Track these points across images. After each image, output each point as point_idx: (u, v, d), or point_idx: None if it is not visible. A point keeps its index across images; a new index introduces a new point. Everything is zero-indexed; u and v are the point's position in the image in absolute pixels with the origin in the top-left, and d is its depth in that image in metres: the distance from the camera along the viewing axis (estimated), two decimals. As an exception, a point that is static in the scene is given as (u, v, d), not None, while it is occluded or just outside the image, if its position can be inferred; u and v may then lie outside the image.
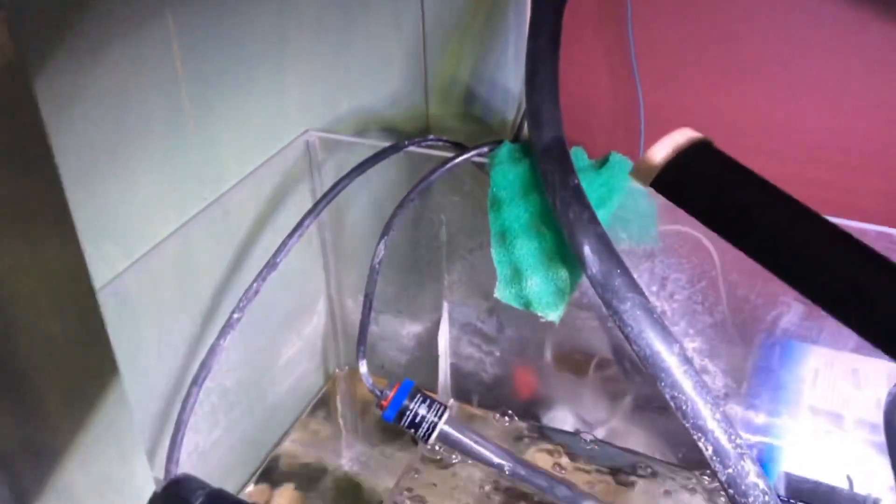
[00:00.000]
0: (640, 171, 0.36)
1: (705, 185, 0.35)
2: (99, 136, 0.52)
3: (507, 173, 0.65)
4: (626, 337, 0.57)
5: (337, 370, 0.88)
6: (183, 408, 0.61)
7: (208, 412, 0.68)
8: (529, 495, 0.76)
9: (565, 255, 0.64)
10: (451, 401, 0.85)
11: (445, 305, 0.78)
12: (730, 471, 0.53)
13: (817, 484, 0.71)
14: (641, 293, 0.57)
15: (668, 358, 0.55)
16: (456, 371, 0.83)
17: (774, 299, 0.64)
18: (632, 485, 0.77)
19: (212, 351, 0.62)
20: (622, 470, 0.79)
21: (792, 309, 0.64)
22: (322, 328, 0.83)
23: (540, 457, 0.81)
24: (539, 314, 0.65)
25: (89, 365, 0.36)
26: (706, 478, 0.76)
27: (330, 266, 0.81)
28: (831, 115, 1.01)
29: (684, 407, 0.54)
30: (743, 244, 0.33)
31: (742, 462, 0.54)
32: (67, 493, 0.36)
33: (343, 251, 0.80)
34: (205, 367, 0.62)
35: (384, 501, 0.77)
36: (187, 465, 0.67)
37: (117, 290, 0.56)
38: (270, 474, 0.80)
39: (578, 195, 0.60)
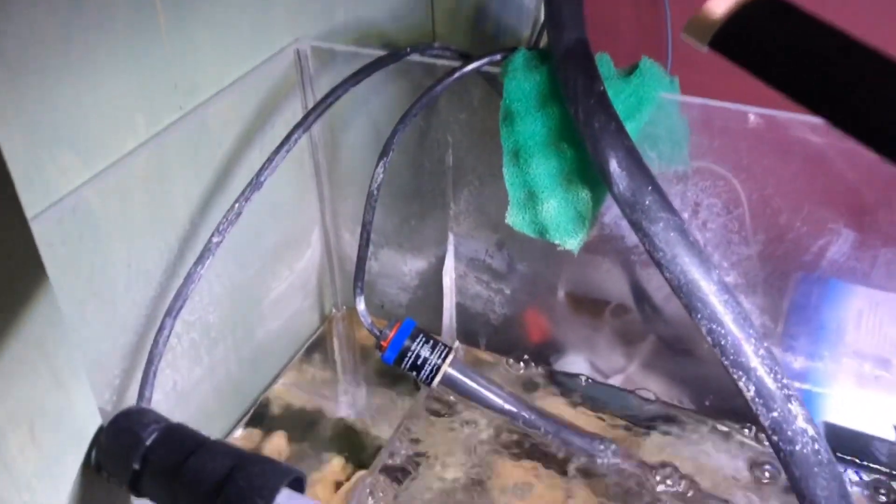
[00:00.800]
0: (695, 28, 0.29)
1: (776, 42, 0.27)
2: (49, 26, 0.45)
3: (523, 83, 0.58)
4: (658, 263, 0.50)
5: (334, 310, 0.81)
6: (155, 341, 0.54)
7: (188, 348, 0.62)
8: (539, 443, 0.70)
9: (587, 174, 0.56)
10: (457, 343, 0.78)
11: (451, 238, 0.71)
12: (774, 414, 0.47)
13: (860, 435, 0.65)
14: (675, 212, 0.50)
15: (706, 286, 0.48)
16: (462, 311, 0.76)
17: (822, 226, 0.57)
18: (647, 433, 0.71)
19: (188, 279, 0.55)
20: (638, 417, 0.72)
21: (842, 237, 0.57)
22: (317, 263, 0.76)
23: (551, 403, 0.74)
24: (556, 242, 0.58)
25: (6, 273, 0.30)
26: (729, 426, 0.69)
27: (324, 193, 0.73)
28: None
29: (723, 342, 0.48)
30: (825, 109, 0.26)
31: (789, 405, 0.47)
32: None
33: (339, 177, 0.73)
34: (180, 296, 0.55)
35: (383, 450, 0.71)
36: (164, 404, 0.61)
37: (76, 205, 0.49)
38: (261, 419, 0.74)
39: (604, 103, 0.53)
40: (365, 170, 0.64)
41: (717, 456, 0.68)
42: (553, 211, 0.57)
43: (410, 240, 0.74)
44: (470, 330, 0.77)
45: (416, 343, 0.70)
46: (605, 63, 0.58)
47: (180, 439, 0.34)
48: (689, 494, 0.66)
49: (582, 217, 0.57)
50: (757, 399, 0.47)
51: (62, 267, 0.49)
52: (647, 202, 0.49)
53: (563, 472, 0.68)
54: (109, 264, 0.53)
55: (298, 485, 0.33)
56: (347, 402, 0.78)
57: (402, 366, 0.70)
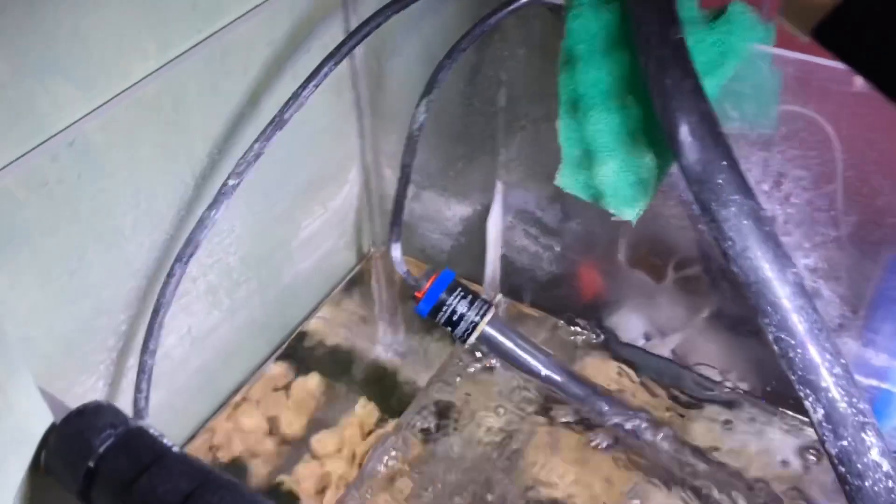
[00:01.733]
0: (795, 12, 0.22)
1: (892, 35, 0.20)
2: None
3: (589, 22, 0.49)
4: (725, 253, 0.42)
5: (372, 249, 0.76)
6: (162, 289, 0.50)
7: (204, 292, 0.58)
8: (576, 412, 0.65)
9: (654, 135, 0.49)
10: (499, 297, 0.73)
11: (499, 186, 0.65)
12: (844, 443, 0.40)
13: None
14: (752, 196, 0.42)
15: (780, 288, 0.41)
16: (507, 264, 0.70)
17: (929, 214, 0.49)
18: (697, 411, 0.65)
19: (201, 224, 0.50)
20: (690, 393, 0.66)
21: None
22: (355, 200, 0.71)
23: (596, 368, 0.69)
24: (611, 210, 0.51)
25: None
26: (790, 417, 0.63)
27: (365, 128, 0.67)
28: None
29: (792, 354, 0.40)
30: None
31: (863, 434, 0.40)
32: None
33: (382, 110, 0.66)
34: (191, 242, 0.50)
35: (414, 401, 0.67)
36: (178, 349, 0.58)
37: (74, 140, 0.44)
38: (294, 353, 0.70)
39: (680, 55, 0.44)
40: (411, 103, 0.57)
41: (769, 445, 0.62)
42: (611, 174, 0.50)
43: (455, 184, 0.67)
44: (514, 284, 0.71)
45: (453, 297, 0.65)
46: (687, 4, 0.49)
47: (136, 450, 0.30)
48: (733, 482, 0.60)
49: (643, 184, 0.50)
50: (825, 423, 0.40)
51: (58, 208, 0.45)
52: (719, 180, 0.42)
53: (600, 445, 0.63)
54: (114, 204, 0.48)
55: (266, 517, 0.29)
56: (383, 343, 0.74)
57: (437, 320, 0.65)
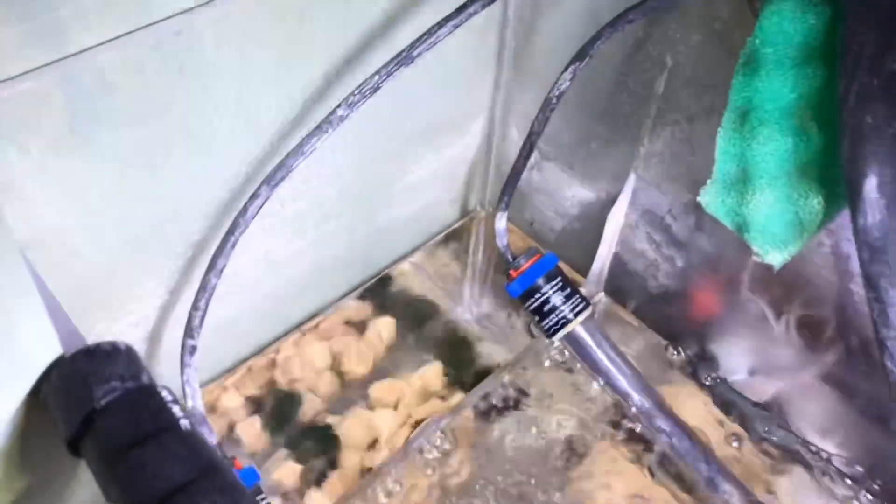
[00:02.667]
0: None
1: None
2: None
3: (787, 23, 0.41)
4: (881, 343, 0.35)
5: (478, 208, 0.70)
6: (245, 208, 0.46)
7: (291, 217, 0.54)
8: (649, 439, 0.59)
9: (830, 174, 0.41)
10: (601, 294, 0.66)
11: (632, 179, 0.58)
12: None
13: None
14: (936, 285, 0.35)
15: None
16: (617, 264, 0.63)
17: None
18: (784, 474, 0.58)
19: (298, 149, 0.46)
20: (782, 450, 0.59)
21: None
22: (472, 154, 0.65)
23: (684, 397, 0.62)
24: (754, 248, 0.44)
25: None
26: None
27: (502, 79, 0.61)
28: None
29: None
30: None
31: None
32: None
33: (525, 66, 0.60)
34: (283, 166, 0.46)
35: (488, 381, 0.62)
36: (250, 270, 0.54)
37: (181, 30, 0.40)
38: (375, 294, 0.67)
39: (892, 88, 0.36)
40: (559, 66, 0.50)
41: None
42: (765, 207, 0.42)
43: (584, 164, 0.61)
44: (620, 287, 0.64)
45: (550, 285, 0.59)
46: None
47: (140, 414, 0.26)
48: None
49: (800, 227, 0.42)
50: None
51: (151, 99, 0.41)
52: (899, 255, 0.34)
53: (670, 488, 0.57)
54: (212, 108, 0.44)
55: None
56: (467, 308, 0.69)
57: (526, 305, 0.60)
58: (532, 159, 0.57)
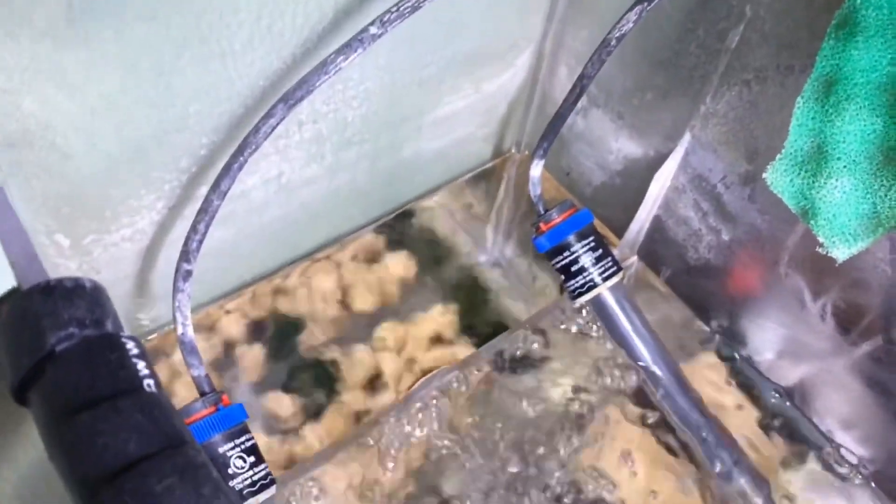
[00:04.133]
0: None
1: None
2: None
3: (899, -18, 0.36)
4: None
5: (514, 150, 0.65)
6: (257, 127, 0.42)
7: (309, 140, 0.49)
8: (666, 418, 0.55)
9: (922, 166, 0.36)
10: (634, 259, 0.61)
11: (687, 138, 0.52)
12: None
13: None
14: None
15: None
16: (657, 228, 0.58)
17: None
18: (800, 465, 0.55)
19: (322, 66, 0.41)
20: (800, 441, 0.55)
21: None
22: (513, 91, 0.60)
23: (708, 374, 0.58)
24: (819, 237, 0.39)
25: None
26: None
27: (557, 11, 0.55)
28: None
29: None
30: None
31: None
32: None
33: (584, -1, 0.54)
34: (304, 84, 0.41)
35: (501, 337, 0.58)
36: (260, 191, 0.50)
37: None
38: (390, 232, 0.63)
39: None
40: (623, 3, 0.45)
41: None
42: (839, 193, 0.37)
43: (636, 115, 0.55)
44: (656, 253, 0.60)
45: (581, 244, 0.54)
46: None
47: (98, 369, 0.22)
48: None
49: (876, 220, 0.37)
50: None
51: (161, -4, 0.36)
52: None
53: (681, 467, 0.54)
54: (231, 9, 0.39)
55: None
56: (489, 254, 0.65)
57: (554, 262, 0.55)
58: (578, 105, 0.52)
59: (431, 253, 0.64)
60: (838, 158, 0.37)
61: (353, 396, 0.56)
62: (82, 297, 0.23)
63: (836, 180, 0.37)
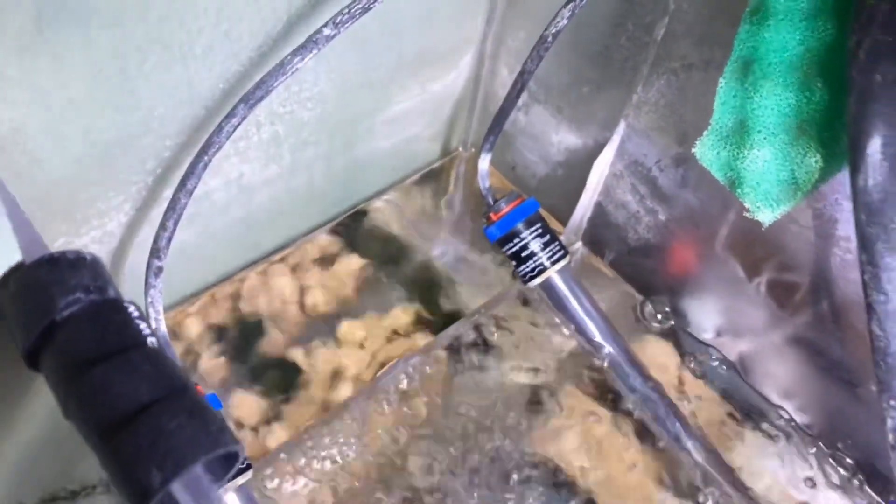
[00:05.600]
0: None
1: None
2: None
3: (801, -28, 0.40)
4: (870, 307, 0.34)
5: (460, 149, 0.69)
6: (220, 126, 0.44)
7: (267, 141, 0.51)
8: (617, 390, 0.58)
9: (831, 133, 0.40)
10: (579, 244, 0.65)
11: (622, 127, 0.56)
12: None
13: None
14: (931, 251, 0.34)
15: (925, 371, 0.33)
16: (598, 214, 0.62)
17: None
18: (746, 432, 0.58)
19: (280, 68, 0.44)
20: (746, 410, 0.59)
21: None
22: (458, 91, 0.63)
23: (656, 353, 0.62)
24: (745, 203, 0.43)
25: None
26: (850, 481, 0.55)
27: (496, 14, 0.58)
28: None
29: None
30: None
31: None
32: None
33: (520, 0, 0.57)
34: (263, 85, 0.44)
35: (459, 323, 0.61)
36: (223, 192, 0.52)
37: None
38: (348, 230, 0.65)
39: (905, 50, 0.35)
40: (556, 3, 0.48)
41: (811, 497, 0.55)
42: (761, 162, 0.41)
43: (574, 108, 0.59)
44: (599, 237, 0.63)
45: (529, 231, 0.57)
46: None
47: (105, 329, 0.24)
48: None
49: (795, 186, 0.41)
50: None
51: (123, 4, 0.38)
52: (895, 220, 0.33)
53: (633, 436, 0.57)
54: (191, 16, 0.41)
55: (228, 462, 0.23)
56: (442, 249, 0.67)
57: (505, 250, 0.59)
58: (520, 101, 0.55)
59: (385, 251, 0.66)
60: (758, 131, 0.41)
61: (317, 392, 0.58)
62: (84, 267, 0.25)
63: (758, 151, 0.41)
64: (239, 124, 0.45)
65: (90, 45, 0.38)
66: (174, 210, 0.45)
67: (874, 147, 0.34)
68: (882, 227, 0.33)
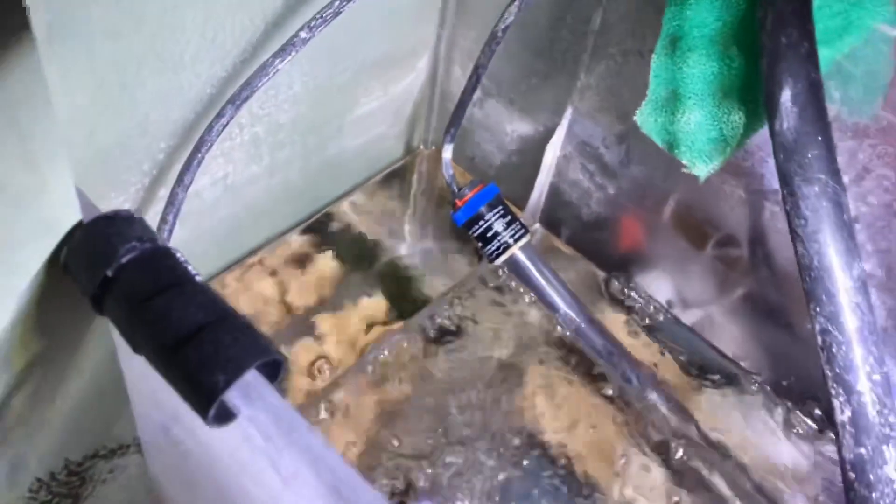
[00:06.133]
0: None
1: None
2: None
3: (713, -42, 0.46)
4: (794, 232, 0.40)
5: (422, 147, 0.74)
6: (210, 126, 0.49)
7: (248, 142, 0.56)
8: (585, 357, 0.64)
9: (749, 93, 0.46)
10: (537, 225, 0.71)
11: (569, 112, 0.62)
12: (862, 451, 0.39)
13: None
14: (839, 180, 0.40)
15: (842, 280, 0.39)
16: (554, 194, 0.68)
17: None
18: (705, 388, 0.64)
19: (262, 69, 0.49)
20: (704, 369, 0.65)
21: None
22: (417, 92, 0.68)
23: (614, 318, 0.67)
24: (683, 161, 0.49)
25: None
26: (799, 417, 0.61)
27: (447, 18, 0.64)
28: None
29: (835, 350, 0.39)
30: None
31: (884, 447, 0.39)
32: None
33: (469, 4, 0.63)
34: (248, 85, 0.49)
35: (430, 306, 0.66)
36: (209, 192, 0.57)
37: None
38: (319, 230, 0.69)
39: (802, 14, 0.42)
40: (502, 3, 0.54)
41: (771, 441, 0.61)
42: (693, 124, 0.47)
43: (525, 99, 0.65)
44: (555, 217, 0.69)
45: (492, 213, 0.63)
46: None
47: (159, 269, 0.28)
48: (722, 465, 0.60)
49: (724, 142, 0.47)
50: (848, 426, 0.39)
51: (123, 14, 0.43)
52: (809, 155, 0.40)
53: (601, 397, 0.62)
54: (180, 27, 0.46)
55: (275, 369, 0.28)
56: (409, 244, 0.72)
57: (471, 232, 0.64)
58: (475, 96, 0.61)
59: (357, 250, 0.70)
60: (688, 98, 0.47)
61: (300, 383, 0.62)
62: (136, 222, 0.30)
63: (689, 115, 0.47)
64: (227, 123, 0.49)
65: (93, 56, 0.43)
66: (173, 205, 0.50)
67: (786, 97, 0.40)
68: (797, 163, 0.39)
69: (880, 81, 0.47)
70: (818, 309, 0.39)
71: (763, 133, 0.48)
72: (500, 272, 0.67)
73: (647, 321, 0.67)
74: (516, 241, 0.63)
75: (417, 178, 0.75)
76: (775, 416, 0.62)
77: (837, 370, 0.39)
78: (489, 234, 0.63)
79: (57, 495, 0.37)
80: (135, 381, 0.37)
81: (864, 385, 0.38)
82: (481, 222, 0.63)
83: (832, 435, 0.61)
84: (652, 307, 0.67)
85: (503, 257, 0.63)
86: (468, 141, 0.70)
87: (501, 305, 0.67)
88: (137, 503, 0.42)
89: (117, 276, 0.28)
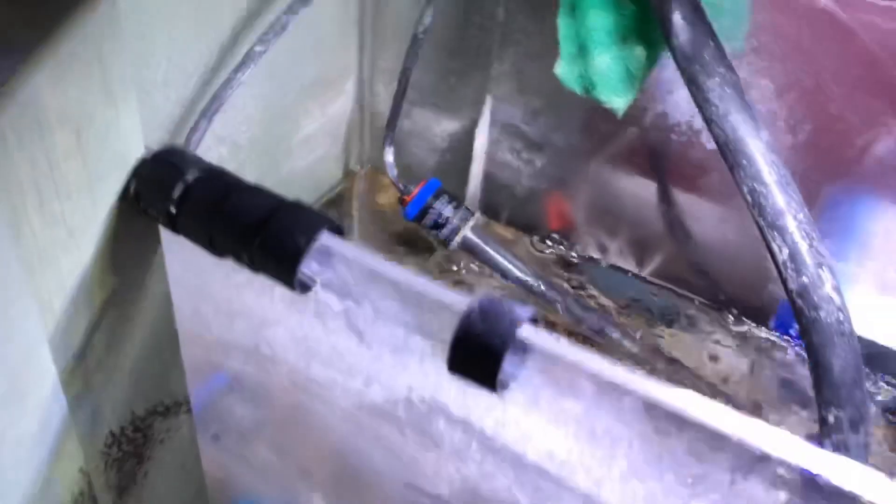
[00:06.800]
0: None
1: None
2: None
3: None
4: (708, 119, 0.49)
5: (358, 167, 0.80)
6: (187, 140, 0.54)
7: (216, 162, 0.61)
8: (551, 319, 0.70)
9: (644, 32, 0.55)
10: (477, 214, 0.77)
11: (489, 100, 0.70)
12: (804, 279, 0.47)
13: (880, 348, 0.65)
14: (732, 69, 0.49)
15: (754, 144, 0.47)
16: (489, 180, 0.75)
17: (874, 119, 0.56)
18: (661, 324, 0.72)
19: (227, 83, 0.54)
20: (654, 308, 0.72)
21: (893, 135, 0.56)
22: (348, 113, 0.75)
23: (566, 286, 0.74)
24: (603, 100, 0.57)
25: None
26: (739, 323, 0.70)
27: (365, 42, 0.72)
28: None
29: (763, 202, 0.47)
30: None
31: (820, 271, 0.47)
32: (34, 107, 0.29)
33: (383, 26, 0.71)
34: (217, 98, 0.54)
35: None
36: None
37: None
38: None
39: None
40: (411, 21, 0.62)
41: (722, 351, 0.69)
42: (604, 66, 0.56)
43: (447, 99, 0.72)
44: (493, 202, 0.76)
45: (439, 202, 0.70)
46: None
47: (222, 180, 0.34)
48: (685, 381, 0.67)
49: (633, 76, 0.56)
50: (789, 263, 0.47)
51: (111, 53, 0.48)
52: (706, 56, 0.48)
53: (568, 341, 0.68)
54: (149, 54, 0.52)
55: (338, 232, 0.33)
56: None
57: (423, 222, 0.70)
58: (402, 108, 0.68)
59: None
60: (595, 47, 0.56)
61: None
62: (188, 153, 0.35)
63: (599, 59, 0.55)
64: (202, 138, 0.55)
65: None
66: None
67: (678, 18, 0.49)
68: (698, 63, 0.48)
69: (744, 8, 0.58)
70: (742, 173, 0.47)
71: (663, 75, 0.58)
72: (455, 266, 0.74)
73: (594, 282, 0.74)
74: (465, 222, 0.70)
75: (357, 197, 0.81)
76: (723, 331, 0.70)
77: (769, 218, 0.47)
78: (440, 220, 0.69)
79: (126, 454, 0.40)
80: (185, 320, 0.40)
81: (792, 225, 0.46)
82: (431, 211, 0.69)
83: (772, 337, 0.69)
84: (592, 262, 0.75)
85: (458, 239, 0.70)
86: (403, 151, 0.77)
87: (464, 285, 0.73)
88: (188, 467, 0.45)
89: (188, 192, 0.33)
